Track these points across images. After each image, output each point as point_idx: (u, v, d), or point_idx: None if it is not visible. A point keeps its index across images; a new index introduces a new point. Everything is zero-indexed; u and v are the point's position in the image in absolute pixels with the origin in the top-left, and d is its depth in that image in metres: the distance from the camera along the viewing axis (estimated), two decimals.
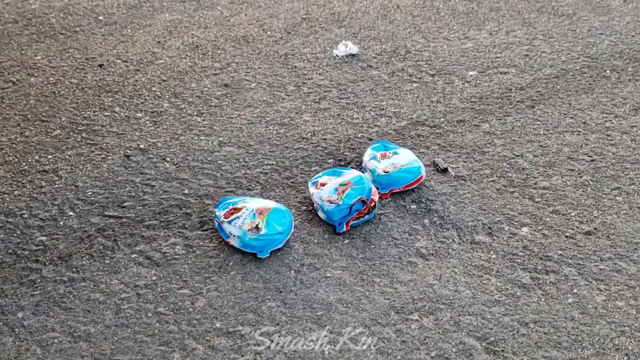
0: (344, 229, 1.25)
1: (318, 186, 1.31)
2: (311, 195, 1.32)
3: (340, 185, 1.29)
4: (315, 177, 1.35)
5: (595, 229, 1.25)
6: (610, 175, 1.40)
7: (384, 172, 1.35)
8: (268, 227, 1.21)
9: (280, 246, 1.22)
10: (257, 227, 1.21)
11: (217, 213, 1.26)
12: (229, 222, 1.22)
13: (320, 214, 1.29)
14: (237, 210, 1.24)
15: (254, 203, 1.26)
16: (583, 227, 1.26)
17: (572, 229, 1.25)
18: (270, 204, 1.26)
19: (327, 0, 2.29)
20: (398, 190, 1.35)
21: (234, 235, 1.21)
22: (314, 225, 1.29)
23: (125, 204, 1.35)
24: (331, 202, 1.27)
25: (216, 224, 1.26)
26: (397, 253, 1.21)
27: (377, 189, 1.34)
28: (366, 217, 1.28)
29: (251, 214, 1.22)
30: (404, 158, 1.39)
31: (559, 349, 1.01)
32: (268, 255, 1.20)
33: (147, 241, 1.26)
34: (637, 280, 1.13)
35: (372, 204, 1.27)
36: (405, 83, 1.79)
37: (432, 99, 1.71)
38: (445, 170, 1.42)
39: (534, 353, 1.01)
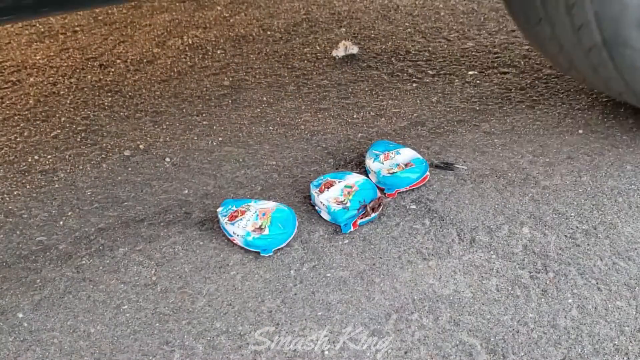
0: (351, 229, 1.26)
1: (322, 188, 1.31)
2: (314, 197, 1.32)
3: (346, 187, 1.30)
4: (317, 179, 1.35)
5: (594, 228, 1.25)
6: (610, 175, 1.40)
7: (389, 173, 1.35)
8: (271, 227, 1.21)
9: (283, 245, 1.22)
10: (260, 228, 1.21)
11: (220, 214, 1.26)
12: (232, 224, 1.22)
13: (325, 215, 1.29)
14: (240, 212, 1.24)
15: (257, 205, 1.26)
16: (583, 227, 1.26)
17: (572, 229, 1.25)
18: (273, 204, 1.27)
19: (327, 0, 2.29)
20: (404, 190, 1.35)
21: (238, 235, 1.22)
22: (314, 225, 1.29)
23: (125, 203, 1.35)
24: (338, 204, 1.27)
25: (220, 223, 1.26)
26: (397, 253, 1.21)
27: (383, 190, 1.34)
28: (372, 215, 1.28)
29: (254, 215, 1.23)
30: (407, 157, 1.39)
31: (559, 348, 1.01)
32: (271, 253, 1.20)
33: (147, 241, 1.26)
34: (637, 280, 1.13)
35: (378, 204, 1.28)
36: (405, 83, 1.79)
37: (432, 99, 1.72)
38: (449, 166, 1.42)
39: (533, 352, 1.01)
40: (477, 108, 1.67)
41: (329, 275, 1.17)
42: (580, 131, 1.56)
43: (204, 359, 1.02)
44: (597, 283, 1.13)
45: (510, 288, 1.13)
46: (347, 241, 1.24)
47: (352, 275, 1.17)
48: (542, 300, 1.10)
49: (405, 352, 1.02)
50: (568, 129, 1.57)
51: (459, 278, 1.15)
